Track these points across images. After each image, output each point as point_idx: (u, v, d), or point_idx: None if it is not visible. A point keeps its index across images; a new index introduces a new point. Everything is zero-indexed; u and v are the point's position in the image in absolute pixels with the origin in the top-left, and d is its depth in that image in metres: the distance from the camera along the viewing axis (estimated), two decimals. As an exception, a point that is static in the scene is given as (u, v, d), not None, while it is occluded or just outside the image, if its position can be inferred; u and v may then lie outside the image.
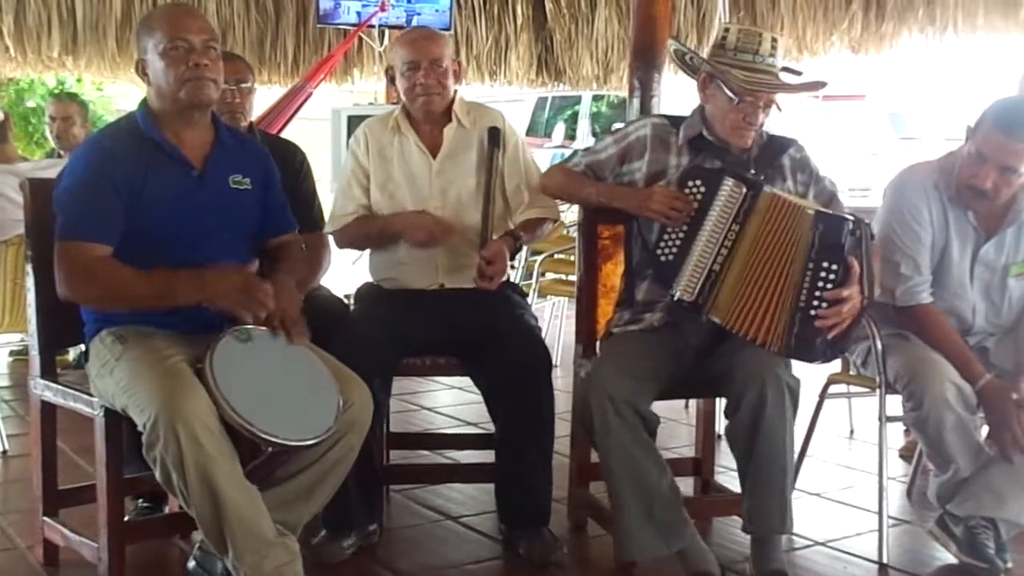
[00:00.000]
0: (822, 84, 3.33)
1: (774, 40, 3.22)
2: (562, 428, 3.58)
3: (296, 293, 3.08)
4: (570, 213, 4.76)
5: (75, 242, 2.87)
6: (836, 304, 2.98)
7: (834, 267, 2.98)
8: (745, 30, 3.25)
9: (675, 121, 3.39)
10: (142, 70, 3.00)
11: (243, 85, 3.81)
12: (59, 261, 2.89)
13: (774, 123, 3.33)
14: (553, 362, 3.51)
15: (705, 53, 3.43)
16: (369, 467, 3.36)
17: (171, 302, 2.88)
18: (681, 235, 3.17)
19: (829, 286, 2.98)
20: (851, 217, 3.04)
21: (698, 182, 3.17)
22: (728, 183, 3.13)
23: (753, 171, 3.25)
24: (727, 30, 3.26)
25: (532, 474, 3.47)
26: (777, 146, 3.35)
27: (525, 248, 4.11)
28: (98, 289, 2.90)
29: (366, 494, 3.45)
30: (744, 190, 3.11)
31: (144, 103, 3.05)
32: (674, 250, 3.17)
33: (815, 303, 2.99)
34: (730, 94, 3.18)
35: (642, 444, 3.05)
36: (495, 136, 3.61)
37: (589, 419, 3.08)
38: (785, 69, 3.26)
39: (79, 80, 13.98)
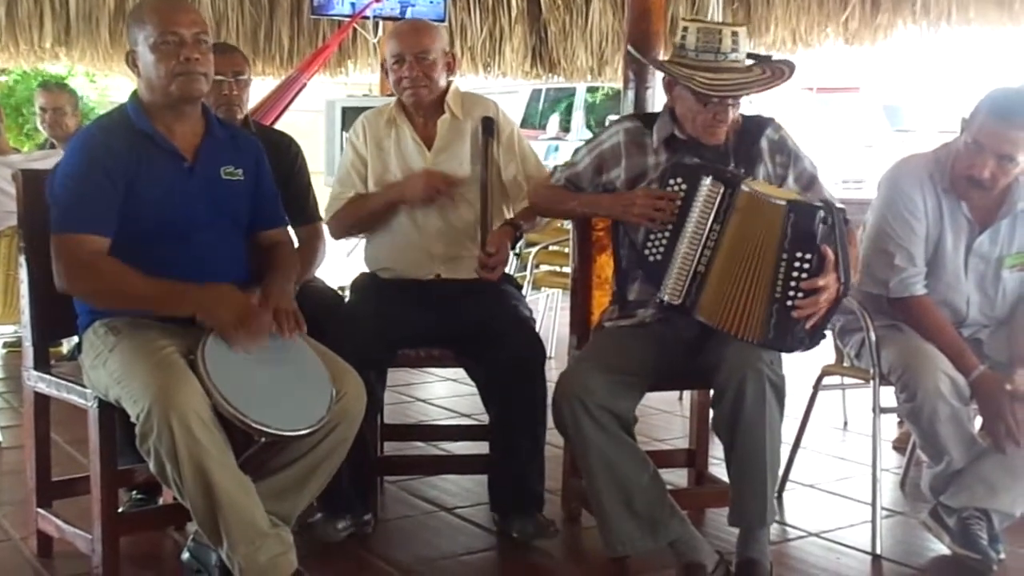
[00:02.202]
0: (790, 71, 3.23)
1: (734, 34, 3.15)
2: (556, 419, 3.58)
3: (289, 290, 3.08)
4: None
5: (72, 234, 2.87)
6: (812, 294, 2.96)
7: (808, 256, 2.94)
8: (704, 28, 3.18)
9: (648, 120, 3.36)
10: (132, 62, 3.00)
11: (240, 77, 3.80)
12: (57, 254, 2.88)
13: (760, 106, 3.30)
14: (548, 354, 3.51)
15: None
16: (363, 457, 3.37)
17: (168, 309, 2.89)
18: (667, 234, 3.14)
19: (804, 276, 2.94)
20: (822, 204, 3.00)
21: (679, 179, 3.14)
22: (706, 182, 3.08)
23: (733, 162, 3.23)
24: (686, 30, 3.19)
25: (525, 464, 3.49)
26: (754, 130, 3.31)
27: (522, 239, 4.12)
28: (98, 285, 2.90)
29: (360, 484, 3.47)
30: (722, 189, 3.06)
31: (135, 95, 3.04)
32: (661, 249, 3.14)
33: (791, 293, 2.96)
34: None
35: (617, 442, 3.05)
36: (488, 125, 3.61)
37: (562, 423, 3.08)
38: (752, 56, 3.23)
39: (70, 73, 13.99)
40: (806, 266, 2.95)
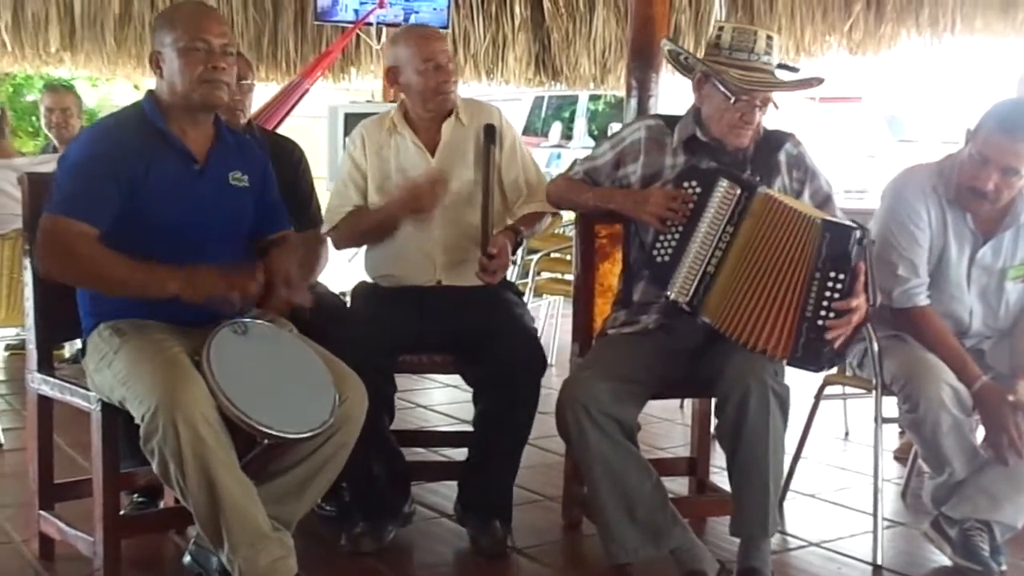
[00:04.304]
0: (819, 80, 3.29)
1: (769, 38, 3.19)
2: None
3: (293, 260, 3.06)
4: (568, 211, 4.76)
5: (60, 217, 2.85)
6: (844, 314, 2.95)
7: (841, 277, 2.94)
8: (740, 28, 3.22)
9: (671, 121, 3.38)
10: (156, 63, 3.00)
11: (244, 82, 3.80)
12: (41, 235, 2.88)
13: (771, 120, 3.32)
14: (549, 361, 3.50)
15: (700, 53, 3.41)
16: (390, 452, 3.45)
17: (150, 291, 2.84)
18: (677, 236, 3.15)
19: (836, 296, 2.94)
20: (856, 226, 3.01)
21: (694, 183, 3.16)
22: (722, 184, 3.10)
23: (750, 170, 3.25)
24: (721, 28, 3.24)
25: (499, 468, 3.51)
26: (774, 142, 3.33)
27: (524, 244, 4.11)
28: (77, 265, 2.86)
29: (395, 479, 3.49)
30: (738, 191, 3.08)
31: (151, 94, 3.05)
32: (670, 251, 3.16)
33: (823, 313, 2.96)
34: (727, 93, 3.17)
35: (621, 449, 3.05)
36: (491, 133, 3.62)
37: (565, 429, 3.08)
38: (781, 66, 3.25)
39: (73, 77, 13.99)
40: (839, 286, 2.94)
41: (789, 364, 3.02)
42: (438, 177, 3.53)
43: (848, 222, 3.05)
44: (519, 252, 4.09)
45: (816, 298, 2.96)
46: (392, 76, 3.66)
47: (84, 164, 2.92)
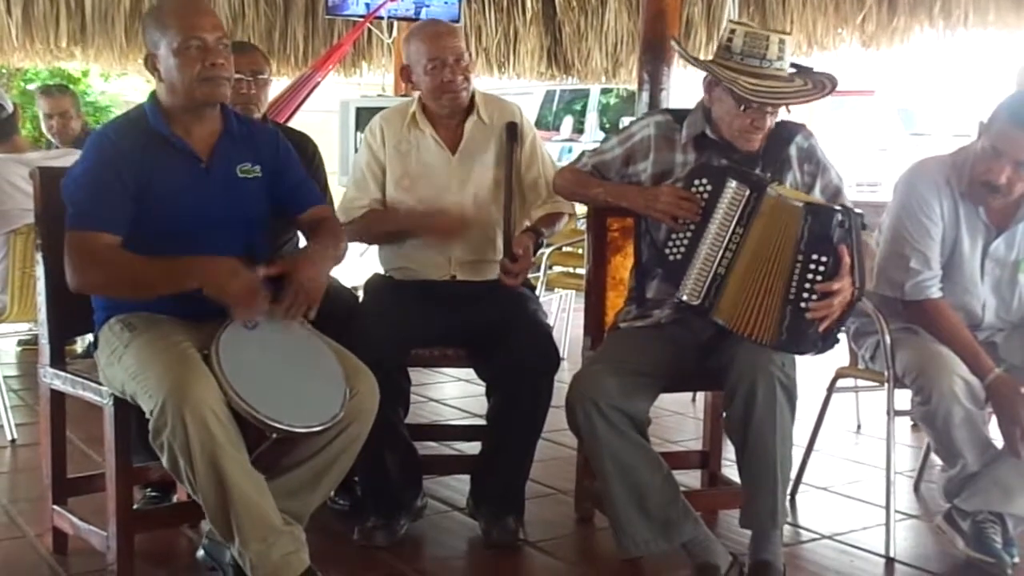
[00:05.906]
0: (833, 86, 3.21)
1: (781, 42, 3.13)
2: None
3: (321, 268, 3.00)
4: (579, 206, 4.76)
5: (84, 231, 2.86)
6: (826, 296, 2.95)
7: (823, 259, 2.93)
8: (752, 33, 3.15)
9: (679, 116, 3.35)
10: (152, 65, 2.98)
11: (260, 76, 3.80)
12: (68, 251, 2.89)
13: (782, 113, 3.29)
14: (560, 355, 3.50)
15: (711, 47, 3.38)
16: (403, 446, 3.46)
17: (177, 286, 2.84)
18: (689, 234, 3.14)
19: (819, 278, 2.94)
20: (840, 208, 3.00)
21: (704, 181, 3.14)
22: (731, 185, 3.08)
23: (760, 166, 3.23)
24: (733, 31, 3.17)
25: (512, 462, 3.52)
26: (784, 135, 3.30)
27: (543, 245, 4.10)
28: (105, 275, 2.89)
29: (408, 473, 3.51)
30: (747, 192, 3.06)
31: (153, 96, 3.04)
32: (682, 249, 3.15)
33: (805, 295, 2.95)
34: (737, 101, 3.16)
35: (631, 443, 3.05)
36: (513, 131, 3.60)
37: (575, 423, 3.08)
38: (794, 66, 3.22)
39: (85, 73, 14.02)
40: (821, 268, 2.94)
41: (777, 348, 3.00)
42: (464, 222, 3.52)
43: (832, 205, 3.04)
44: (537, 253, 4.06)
45: (799, 281, 2.95)
46: (405, 74, 3.61)
47: (92, 176, 2.92)
